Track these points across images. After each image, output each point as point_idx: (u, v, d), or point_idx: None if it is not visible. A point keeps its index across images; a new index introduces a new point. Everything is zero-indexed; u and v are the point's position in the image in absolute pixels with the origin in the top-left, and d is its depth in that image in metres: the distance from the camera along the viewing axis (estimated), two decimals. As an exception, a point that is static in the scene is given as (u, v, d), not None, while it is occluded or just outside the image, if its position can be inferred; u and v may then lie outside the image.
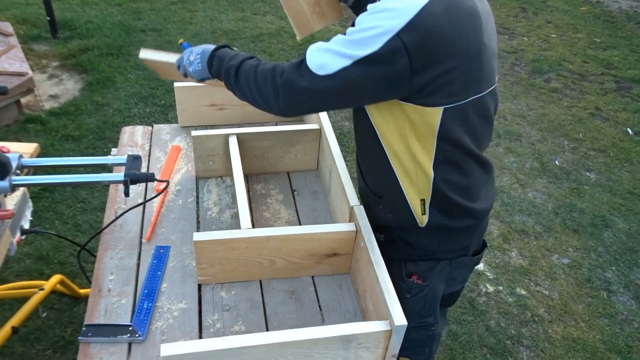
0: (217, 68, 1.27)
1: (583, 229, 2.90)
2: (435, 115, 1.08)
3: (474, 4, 1.08)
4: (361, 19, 1.05)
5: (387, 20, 1.00)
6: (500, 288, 2.53)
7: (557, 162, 3.39)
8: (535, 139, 3.59)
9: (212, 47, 1.30)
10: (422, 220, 1.23)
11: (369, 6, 1.06)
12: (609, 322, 2.42)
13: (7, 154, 1.15)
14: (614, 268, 2.70)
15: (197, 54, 1.30)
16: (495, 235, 2.81)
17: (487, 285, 2.53)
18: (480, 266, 2.62)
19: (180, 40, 1.31)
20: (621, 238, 2.87)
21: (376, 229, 1.30)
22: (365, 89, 1.06)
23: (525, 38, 4.93)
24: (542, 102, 4.01)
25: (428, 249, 1.28)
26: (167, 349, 0.98)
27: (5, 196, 1.29)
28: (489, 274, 2.59)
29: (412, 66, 1.01)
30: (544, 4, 5.68)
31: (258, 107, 1.21)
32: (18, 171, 1.20)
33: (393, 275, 1.30)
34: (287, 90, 1.11)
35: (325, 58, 1.06)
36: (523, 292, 2.52)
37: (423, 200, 1.21)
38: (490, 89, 1.16)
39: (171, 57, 1.42)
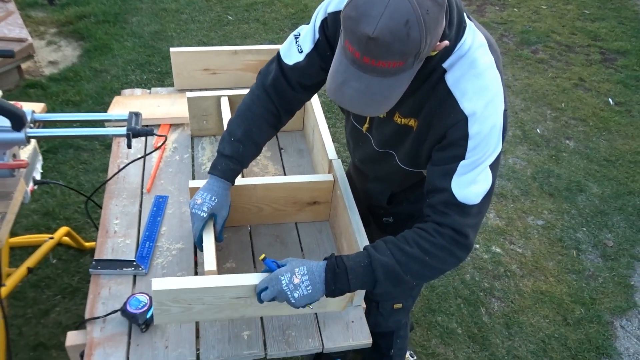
0: (352, 282, 1.08)
1: (559, 193, 3.07)
2: None
3: None
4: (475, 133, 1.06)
5: (488, 117, 1.06)
6: (477, 246, 2.70)
7: (538, 131, 3.54)
8: (519, 108, 3.73)
9: (317, 263, 1.10)
10: None
11: None
12: (576, 278, 2.61)
13: (22, 109, 1.28)
14: (584, 229, 2.88)
15: (302, 274, 1.08)
16: (475, 198, 2.97)
17: (465, 243, 2.71)
18: (459, 226, 2.79)
19: (262, 256, 1.15)
20: (594, 202, 3.05)
21: (384, 213, 1.46)
22: None
23: (515, 9, 5.00)
24: (528, 72, 4.13)
25: None
26: (157, 284, 1.07)
27: (20, 148, 1.43)
28: (467, 233, 2.76)
29: None
30: (537, -25, 5.72)
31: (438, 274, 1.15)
32: (31, 124, 1.34)
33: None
34: (464, 239, 1.09)
35: (472, 188, 1.07)
36: (498, 250, 2.70)
37: None
38: None
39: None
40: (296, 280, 1.07)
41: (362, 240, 1.24)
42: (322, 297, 1.09)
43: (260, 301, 1.11)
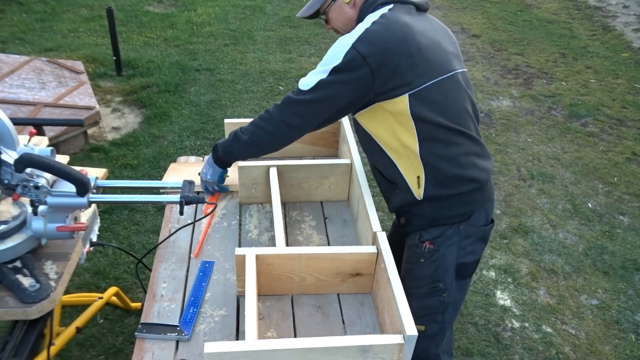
0: (223, 150, 1.63)
1: (614, 272, 2.93)
2: (403, 101, 1.43)
3: (405, 19, 1.46)
4: (330, 49, 1.47)
5: (343, 41, 1.43)
6: (526, 324, 2.58)
7: (589, 205, 3.44)
8: (569, 182, 3.65)
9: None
10: (419, 193, 1.51)
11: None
12: (637, 365, 2.43)
13: (87, 176, 1.38)
14: (644, 311, 2.71)
15: (204, 166, 1.72)
16: (523, 273, 2.88)
17: (513, 321, 2.59)
18: (507, 302, 2.69)
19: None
20: (653, 282, 2.88)
21: (398, 214, 1.65)
22: (341, 93, 1.44)
23: (563, 82, 5.02)
24: (577, 145, 4.07)
25: (433, 217, 1.53)
26: (210, 347, 1.15)
27: (81, 211, 1.52)
28: (515, 310, 2.65)
29: (371, 68, 1.39)
30: (584, 49, 5.75)
31: (274, 140, 1.55)
32: (94, 190, 1.43)
33: (409, 244, 1.59)
34: (286, 107, 1.49)
35: (309, 78, 1.46)
36: (549, 329, 2.57)
37: (418, 177, 1.49)
38: (450, 73, 1.49)
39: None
40: (204, 170, 1.74)
41: (406, 315, 1.23)
42: None
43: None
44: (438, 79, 1.45)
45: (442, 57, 1.49)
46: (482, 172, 1.53)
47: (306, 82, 1.46)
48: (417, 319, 1.53)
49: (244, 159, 1.71)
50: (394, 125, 1.47)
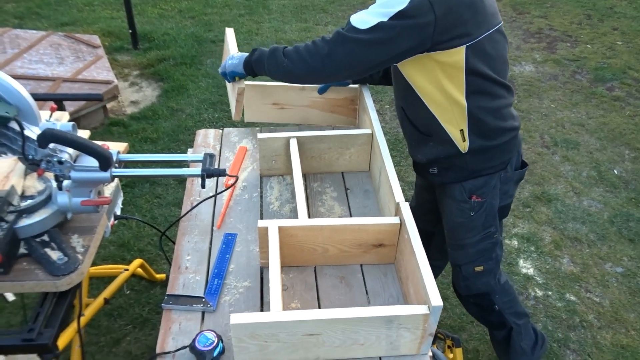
0: (258, 57, 1.58)
1: (640, 239, 2.88)
2: (459, 53, 1.38)
3: None
4: None
5: None
6: (550, 293, 2.57)
7: (615, 172, 3.36)
8: (594, 148, 3.57)
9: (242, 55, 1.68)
10: (464, 146, 1.53)
11: None
12: (663, 332, 2.41)
13: (109, 150, 1.38)
14: (671, 279, 2.67)
15: (238, 55, 1.67)
16: (547, 242, 2.84)
17: (536, 290, 2.58)
18: (530, 271, 2.67)
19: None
20: (681, 249, 2.82)
21: (429, 164, 1.67)
22: (400, 39, 1.35)
23: (588, 45, 4.85)
24: (603, 110, 3.96)
25: (476, 168, 1.57)
26: (236, 318, 1.16)
27: (104, 186, 1.54)
28: (538, 279, 2.63)
29: (436, 15, 1.31)
30: (611, 10, 5.54)
31: (312, 75, 1.49)
32: (116, 164, 1.44)
33: (457, 200, 1.63)
34: (337, 43, 1.39)
35: (365, 17, 1.37)
36: (572, 297, 2.55)
37: (462, 130, 1.49)
38: (497, 26, 1.47)
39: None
40: (235, 55, 1.67)
41: (431, 286, 1.22)
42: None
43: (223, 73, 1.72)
44: (491, 31, 1.43)
45: (494, 8, 1.46)
46: (516, 120, 1.59)
47: (363, 20, 1.37)
48: (476, 262, 1.72)
49: (272, 79, 1.62)
50: (441, 77, 1.43)
